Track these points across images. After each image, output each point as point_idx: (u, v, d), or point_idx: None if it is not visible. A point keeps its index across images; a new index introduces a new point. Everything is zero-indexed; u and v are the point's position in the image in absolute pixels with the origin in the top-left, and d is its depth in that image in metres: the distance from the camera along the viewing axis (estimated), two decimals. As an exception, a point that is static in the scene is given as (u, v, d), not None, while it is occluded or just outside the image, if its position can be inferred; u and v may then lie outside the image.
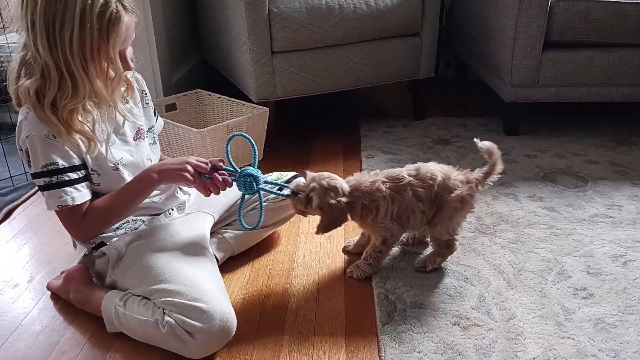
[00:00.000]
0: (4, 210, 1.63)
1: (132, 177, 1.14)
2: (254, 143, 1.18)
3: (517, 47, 1.93)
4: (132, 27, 1.03)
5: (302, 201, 1.19)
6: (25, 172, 1.82)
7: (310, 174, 1.22)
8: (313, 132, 2.20)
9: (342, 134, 2.17)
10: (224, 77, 2.33)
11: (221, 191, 1.15)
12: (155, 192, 1.19)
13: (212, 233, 1.29)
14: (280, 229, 1.47)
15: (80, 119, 1.03)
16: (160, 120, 1.33)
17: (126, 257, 1.13)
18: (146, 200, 1.17)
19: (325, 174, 1.21)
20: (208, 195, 1.15)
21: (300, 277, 1.29)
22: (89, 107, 1.04)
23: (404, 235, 1.36)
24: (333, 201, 1.17)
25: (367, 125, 2.24)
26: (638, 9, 1.86)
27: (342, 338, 1.10)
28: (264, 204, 1.33)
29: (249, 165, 1.17)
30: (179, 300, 1.00)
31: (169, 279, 1.05)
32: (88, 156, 1.06)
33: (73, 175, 1.05)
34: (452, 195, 1.20)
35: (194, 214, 1.29)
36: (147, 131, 1.23)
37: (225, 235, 1.33)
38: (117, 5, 0.98)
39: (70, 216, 1.07)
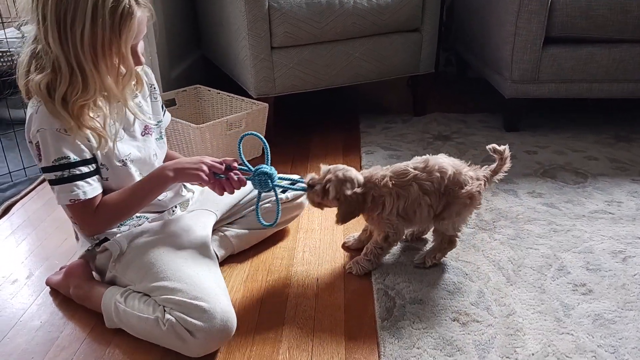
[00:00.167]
0: (3, 206, 1.63)
1: (139, 173, 1.14)
2: (265, 142, 1.19)
3: (517, 42, 1.93)
4: (145, 21, 1.02)
5: (319, 193, 1.19)
6: (25, 168, 1.82)
7: (324, 167, 1.22)
8: (313, 127, 2.20)
9: (341, 130, 2.17)
10: (223, 73, 2.33)
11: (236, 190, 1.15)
12: None
13: (214, 231, 1.29)
14: (280, 225, 1.47)
15: (90, 114, 1.03)
16: (168, 115, 1.33)
17: (128, 253, 1.13)
18: None
19: (340, 166, 1.21)
20: (222, 194, 1.16)
21: (300, 273, 1.29)
22: (99, 103, 1.04)
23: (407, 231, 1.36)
24: (349, 192, 1.17)
25: (366, 121, 2.23)
26: (639, 5, 1.85)
27: (342, 334, 1.10)
28: (267, 205, 1.34)
29: (260, 162, 1.17)
30: (180, 299, 1.00)
31: (170, 276, 1.05)
32: (98, 151, 1.06)
33: (84, 169, 1.04)
34: (463, 190, 1.19)
35: (197, 211, 1.29)
36: (154, 126, 1.22)
37: (227, 233, 1.33)
38: (129, 0, 0.96)
39: (82, 210, 1.06)
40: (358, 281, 1.26)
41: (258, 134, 1.20)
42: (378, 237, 1.25)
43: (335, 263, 1.33)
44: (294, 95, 2.02)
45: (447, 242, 1.27)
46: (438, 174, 1.19)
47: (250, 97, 1.96)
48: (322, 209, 1.26)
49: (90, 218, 1.08)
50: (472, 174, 1.22)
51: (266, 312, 1.16)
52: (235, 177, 1.13)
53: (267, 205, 1.35)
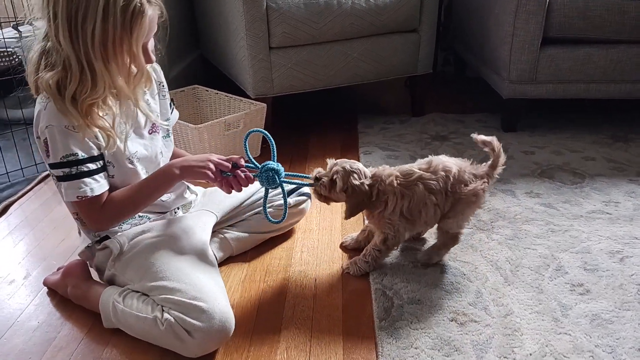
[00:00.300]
0: (1, 206, 1.62)
1: (145, 171, 1.14)
2: (271, 138, 1.18)
3: (515, 43, 1.93)
4: (155, 19, 1.01)
5: (326, 185, 1.19)
6: (22, 168, 1.82)
7: (330, 161, 1.22)
8: (311, 128, 2.20)
9: (340, 130, 2.17)
10: (221, 73, 2.33)
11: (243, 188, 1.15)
12: None
13: (214, 232, 1.29)
14: (278, 225, 1.47)
15: (100, 113, 1.02)
16: (176, 113, 1.32)
17: (128, 251, 1.13)
18: None
19: (346, 160, 1.21)
20: (230, 193, 1.15)
21: (298, 273, 1.29)
22: (109, 102, 1.04)
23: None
24: (357, 182, 1.17)
25: (364, 122, 2.23)
26: (637, 6, 1.85)
27: (340, 334, 1.10)
28: (269, 210, 1.34)
29: (259, 161, 1.17)
30: (179, 299, 1.00)
31: (169, 276, 1.05)
32: (106, 150, 1.06)
33: (92, 166, 1.03)
34: (468, 188, 1.19)
35: (198, 212, 1.29)
36: (164, 125, 1.22)
37: (226, 235, 1.33)
38: None
39: (89, 207, 1.06)
40: (356, 281, 1.26)
41: (264, 131, 1.20)
42: (377, 240, 1.25)
43: (334, 263, 1.33)
44: (292, 95, 2.02)
45: (450, 238, 1.28)
46: (443, 173, 1.19)
47: (248, 97, 1.95)
48: (328, 203, 1.25)
49: (97, 214, 1.08)
50: (475, 172, 1.23)
51: (264, 313, 1.16)
52: (243, 175, 1.13)
53: (269, 209, 1.35)
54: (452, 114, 2.29)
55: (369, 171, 1.21)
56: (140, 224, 1.19)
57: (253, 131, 1.20)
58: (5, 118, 2.01)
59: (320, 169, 1.23)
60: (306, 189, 1.41)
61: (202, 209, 1.30)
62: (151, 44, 1.05)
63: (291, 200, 1.37)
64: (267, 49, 1.88)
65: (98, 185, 1.05)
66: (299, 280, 1.27)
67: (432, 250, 1.30)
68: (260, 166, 1.15)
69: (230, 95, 1.97)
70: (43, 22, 0.98)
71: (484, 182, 1.21)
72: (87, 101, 0.98)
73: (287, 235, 1.45)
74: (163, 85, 1.23)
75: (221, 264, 1.31)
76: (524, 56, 1.94)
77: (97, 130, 1.02)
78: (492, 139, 1.24)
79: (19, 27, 2.12)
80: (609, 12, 1.86)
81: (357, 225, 1.48)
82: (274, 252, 1.38)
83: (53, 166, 1.03)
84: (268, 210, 1.33)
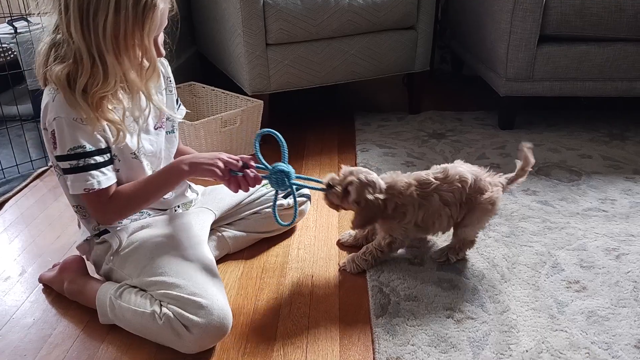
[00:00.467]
0: (-4, 203, 1.62)
1: (149, 167, 1.14)
2: (282, 139, 1.16)
3: (512, 41, 1.93)
4: (166, 13, 1.01)
5: (339, 195, 1.16)
6: (17, 165, 1.81)
7: (346, 168, 1.19)
8: (308, 125, 2.20)
9: (336, 128, 2.16)
10: (218, 70, 2.32)
11: (250, 188, 1.14)
12: None
13: (212, 230, 1.29)
14: (275, 222, 1.47)
15: (110, 107, 1.02)
16: (183, 109, 1.31)
17: (127, 246, 1.12)
18: None
19: (362, 168, 1.18)
20: (237, 192, 1.14)
21: (294, 270, 1.29)
22: (119, 96, 1.03)
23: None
24: (371, 197, 1.14)
25: (361, 119, 2.23)
26: (633, 4, 1.85)
27: (336, 331, 1.10)
28: (267, 210, 1.34)
29: (271, 159, 1.16)
30: (178, 294, 1.00)
31: (168, 272, 1.04)
32: (114, 144, 1.06)
33: (99, 159, 1.03)
34: (484, 196, 1.18)
35: (197, 209, 1.29)
36: (166, 119, 1.21)
37: (224, 234, 1.33)
38: None
39: (97, 199, 1.05)
40: (353, 278, 1.25)
41: (275, 132, 1.16)
42: (383, 240, 1.24)
43: (330, 260, 1.33)
44: (289, 92, 2.01)
45: (467, 243, 1.28)
46: (459, 184, 1.18)
47: (245, 94, 1.95)
48: (338, 210, 1.23)
49: (104, 207, 1.07)
50: (490, 180, 1.22)
51: (261, 310, 1.16)
52: (252, 174, 1.12)
53: (267, 210, 1.35)
54: (449, 112, 2.29)
55: (383, 182, 1.18)
56: (140, 220, 1.18)
57: (264, 132, 1.17)
58: (0, 114, 2.00)
59: (333, 175, 1.20)
60: (306, 190, 1.41)
61: (201, 207, 1.30)
62: (160, 38, 1.05)
63: (290, 200, 1.36)
64: (263, 45, 1.88)
65: (105, 178, 1.04)
66: (296, 277, 1.27)
67: (449, 250, 1.28)
68: (270, 167, 1.14)
69: (227, 92, 1.97)
70: (53, 15, 0.98)
71: (498, 190, 1.21)
72: (98, 94, 0.98)
73: (283, 232, 1.44)
74: (170, 80, 1.23)
75: (218, 261, 1.30)
76: (521, 54, 1.94)
77: (105, 123, 1.02)
78: (529, 155, 1.23)
79: (14, 23, 2.10)
80: (606, 10, 1.87)
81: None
82: (270, 249, 1.38)
83: (60, 158, 1.02)
84: (266, 210, 1.34)
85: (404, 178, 1.20)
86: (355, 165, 1.81)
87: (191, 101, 2.08)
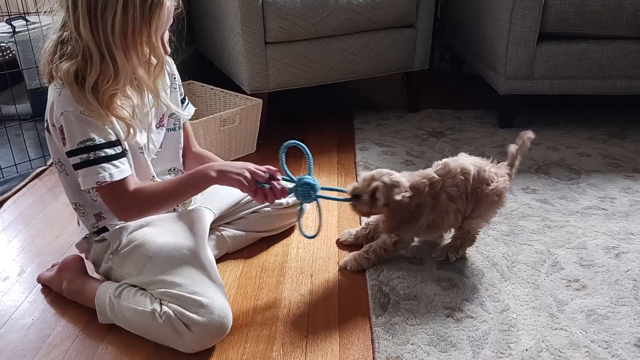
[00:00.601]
0: (-6, 203, 1.61)
1: (151, 164, 1.14)
2: (308, 151, 1.15)
3: (511, 39, 1.92)
4: (172, 11, 1.02)
5: (368, 202, 1.15)
6: (16, 164, 1.80)
7: (365, 174, 1.18)
8: (307, 124, 2.19)
9: (336, 126, 2.16)
10: (217, 69, 2.31)
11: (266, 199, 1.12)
12: None
13: (211, 229, 1.29)
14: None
15: (119, 103, 1.02)
16: (191, 107, 1.30)
17: (127, 245, 1.12)
18: None
19: (383, 170, 1.17)
20: (262, 203, 1.14)
21: (294, 270, 1.29)
22: (128, 92, 1.04)
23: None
24: (399, 197, 1.13)
25: (361, 118, 2.23)
26: (633, 2, 1.85)
27: (336, 330, 1.09)
28: (266, 210, 1.35)
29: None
30: (178, 292, 1.00)
31: (168, 270, 1.04)
32: (125, 141, 1.05)
33: (110, 152, 1.02)
34: (490, 187, 1.17)
35: (196, 208, 1.28)
36: (169, 117, 1.21)
37: (223, 233, 1.33)
38: None
39: (111, 193, 1.04)
40: (352, 277, 1.25)
41: (302, 144, 1.15)
42: (388, 240, 1.23)
43: (330, 259, 1.33)
44: (288, 91, 2.01)
45: (470, 239, 1.26)
46: (462, 177, 1.17)
47: (244, 93, 1.95)
48: (368, 217, 1.22)
49: (121, 202, 1.05)
50: (495, 170, 1.21)
51: (260, 309, 1.16)
52: (278, 187, 1.10)
53: (266, 209, 1.35)
54: (449, 110, 2.29)
55: (406, 180, 1.16)
56: None
57: (290, 144, 1.15)
58: (-1, 114, 2.00)
59: (355, 184, 1.18)
60: None
61: (201, 206, 1.30)
62: (166, 36, 1.06)
63: (290, 200, 1.36)
64: (262, 44, 1.87)
65: (118, 171, 1.02)
66: (295, 277, 1.26)
67: (448, 249, 1.28)
68: (296, 179, 1.13)
69: (226, 90, 1.97)
70: (60, 12, 0.98)
71: (505, 181, 1.20)
72: (109, 91, 0.98)
73: (283, 231, 1.44)
74: (175, 78, 1.23)
75: (217, 260, 1.30)
76: (520, 52, 1.93)
77: (115, 120, 1.02)
78: (527, 137, 1.23)
79: (12, 22, 2.10)
80: (605, 8, 1.86)
81: (354, 221, 1.47)
82: (270, 248, 1.38)
83: (70, 154, 1.01)
84: (266, 209, 1.33)
85: (417, 177, 1.18)
86: (355, 164, 1.81)
87: (190, 100, 2.06)
